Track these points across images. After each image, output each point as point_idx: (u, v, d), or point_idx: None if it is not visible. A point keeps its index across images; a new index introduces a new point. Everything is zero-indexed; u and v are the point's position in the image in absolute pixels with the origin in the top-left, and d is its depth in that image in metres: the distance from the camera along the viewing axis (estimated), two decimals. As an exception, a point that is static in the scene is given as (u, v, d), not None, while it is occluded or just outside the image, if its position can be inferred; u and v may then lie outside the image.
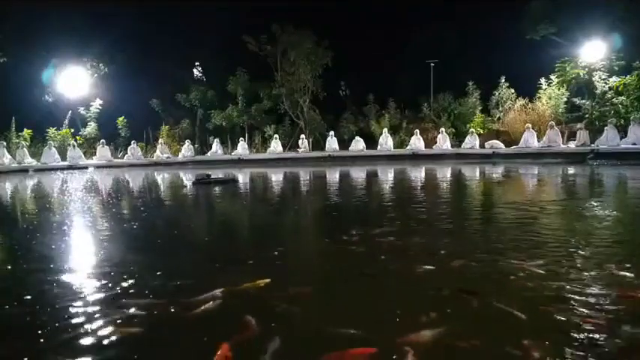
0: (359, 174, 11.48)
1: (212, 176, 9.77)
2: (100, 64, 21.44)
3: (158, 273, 2.85)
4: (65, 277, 2.79)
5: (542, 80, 17.51)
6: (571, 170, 10.69)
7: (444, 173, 10.98)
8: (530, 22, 18.25)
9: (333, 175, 11.28)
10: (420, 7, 20.95)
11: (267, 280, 2.50)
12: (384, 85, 20.21)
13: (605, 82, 16.01)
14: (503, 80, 18.74)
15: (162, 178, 12.57)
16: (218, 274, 2.83)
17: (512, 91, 18.55)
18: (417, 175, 10.99)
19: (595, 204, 5.20)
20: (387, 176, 10.89)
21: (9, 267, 3.31)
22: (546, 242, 3.31)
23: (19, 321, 2.14)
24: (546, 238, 3.44)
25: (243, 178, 11.69)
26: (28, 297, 2.47)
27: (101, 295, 2.41)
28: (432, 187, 8.25)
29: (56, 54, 20.24)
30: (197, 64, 24.16)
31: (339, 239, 3.60)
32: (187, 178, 11.57)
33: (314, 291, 2.46)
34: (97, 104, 20.86)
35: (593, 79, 16.27)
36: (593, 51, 16.74)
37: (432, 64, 20.12)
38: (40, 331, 1.97)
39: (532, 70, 17.59)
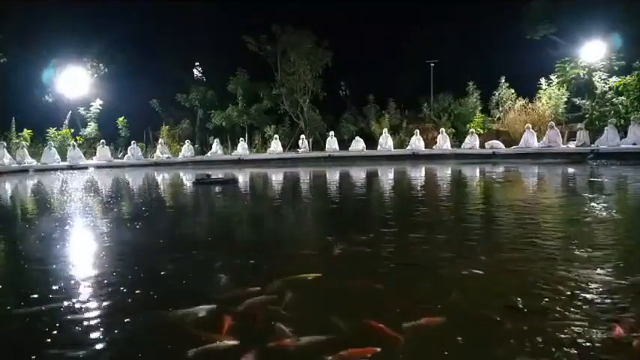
0: (359, 174, 11.48)
1: (212, 176, 9.78)
2: (100, 64, 21.41)
3: (162, 273, 2.86)
4: (70, 279, 2.80)
5: (542, 80, 17.49)
6: (571, 170, 10.70)
7: (448, 174, 10.98)
8: (530, 22, 18.24)
9: (334, 176, 11.28)
10: (420, 7, 20.96)
11: (318, 275, 2.55)
12: (384, 85, 20.20)
13: (605, 82, 16.00)
14: (503, 80, 18.71)
15: (162, 178, 12.57)
16: (243, 272, 2.83)
17: (512, 91, 18.52)
18: (419, 175, 11.00)
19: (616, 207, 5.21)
20: (389, 176, 10.90)
21: (13, 267, 3.32)
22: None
23: (23, 319, 2.15)
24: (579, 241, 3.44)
25: (243, 178, 11.70)
26: (35, 296, 2.47)
27: (106, 295, 2.41)
28: (442, 188, 8.25)
29: (56, 54, 20.21)
30: (197, 64, 24.15)
31: (352, 239, 3.58)
32: (187, 179, 11.58)
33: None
34: (97, 104, 20.83)
35: (593, 79, 16.26)
36: (593, 51, 16.74)
37: (432, 64, 20.12)
38: (45, 330, 1.98)
39: (532, 70, 17.57)
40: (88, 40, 20.40)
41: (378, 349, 1.68)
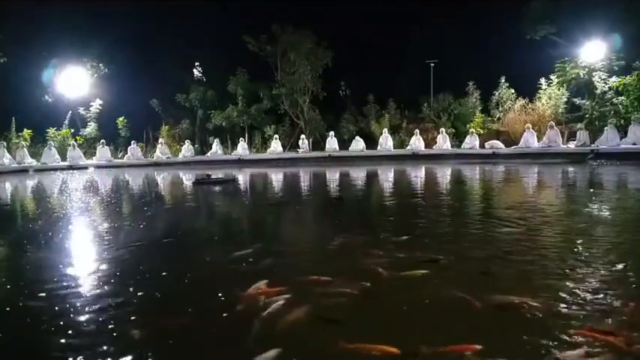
0: (360, 174, 11.48)
1: (212, 176, 9.78)
2: (100, 64, 21.41)
3: (164, 274, 2.86)
4: (76, 279, 2.80)
5: (542, 80, 17.48)
6: (571, 170, 10.70)
7: (449, 174, 10.98)
8: (530, 22, 18.24)
9: (334, 175, 11.28)
10: (420, 7, 20.94)
11: (426, 272, 2.62)
12: (384, 85, 20.17)
13: (605, 82, 16.00)
14: (503, 80, 18.69)
15: (162, 178, 12.56)
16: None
17: (512, 91, 18.49)
18: (423, 175, 11.00)
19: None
20: (389, 176, 10.90)
21: (18, 268, 3.32)
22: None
23: (32, 319, 2.15)
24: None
25: (243, 178, 11.69)
26: (43, 294, 2.48)
27: (112, 295, 2.41)
28: (445, 188, 8.24)
29: (56, 54, 20.21)
30: (197, 64, 24.13)
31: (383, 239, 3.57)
32: (187, 179, 11.58)
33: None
34: (97, 104, 20.84)
35: (593, 79, 16.25)
36: (593, 51, 16.73)
37: (432, 64, 20.11)
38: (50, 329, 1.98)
39: (532, 70, 17.55)
40: (88, 40, 20.41)
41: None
